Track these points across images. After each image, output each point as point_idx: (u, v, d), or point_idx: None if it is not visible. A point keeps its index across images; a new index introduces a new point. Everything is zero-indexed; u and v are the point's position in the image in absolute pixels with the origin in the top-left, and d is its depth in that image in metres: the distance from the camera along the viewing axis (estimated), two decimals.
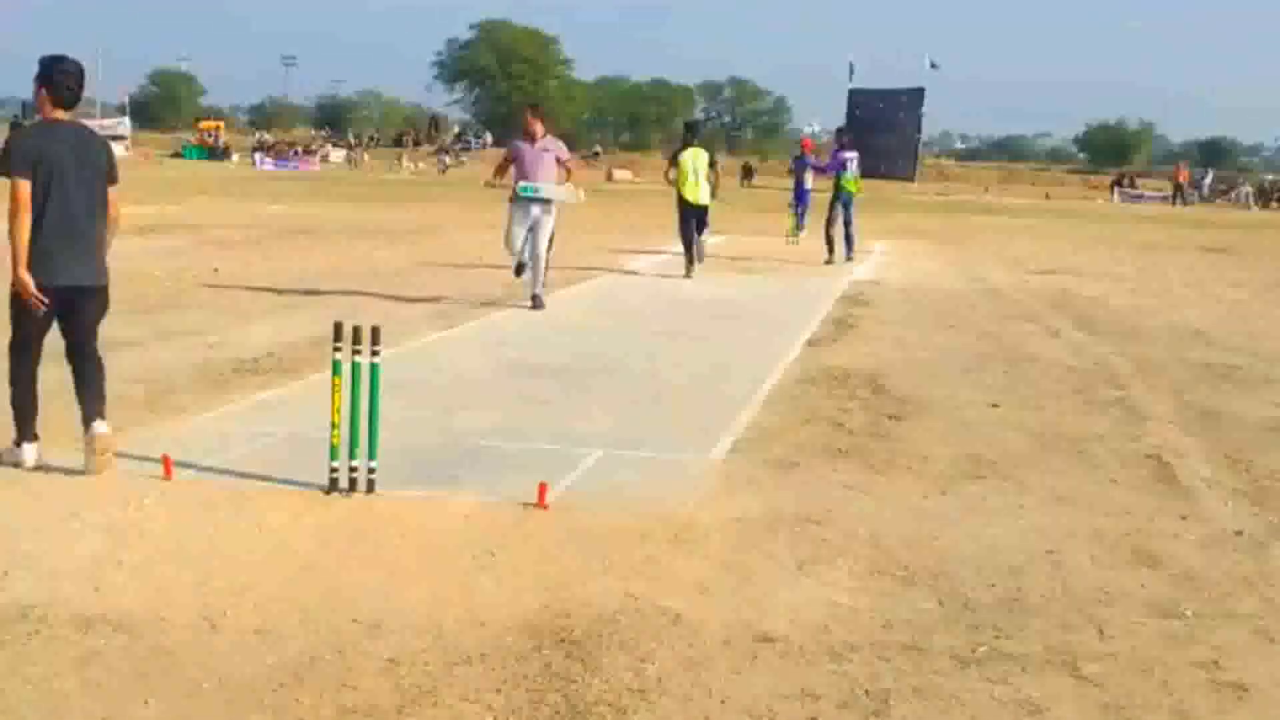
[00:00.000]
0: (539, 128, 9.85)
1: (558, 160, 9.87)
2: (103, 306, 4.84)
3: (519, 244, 9.86)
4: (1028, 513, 4.72)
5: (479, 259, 13.26)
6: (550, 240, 9.99)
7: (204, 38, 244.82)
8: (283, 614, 3.41)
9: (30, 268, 4.53)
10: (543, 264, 9.91)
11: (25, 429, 4.70)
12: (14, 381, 4.72)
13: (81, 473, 4.62)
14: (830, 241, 15.68)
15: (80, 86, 4.79)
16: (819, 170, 17.77)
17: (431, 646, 3.24)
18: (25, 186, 4.52)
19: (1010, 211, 36.88)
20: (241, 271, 11.94)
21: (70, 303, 4.67)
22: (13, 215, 4.52)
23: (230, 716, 2.84)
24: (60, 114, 4.72)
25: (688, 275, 12.98)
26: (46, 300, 4.57)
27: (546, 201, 9.79)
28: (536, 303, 9.87)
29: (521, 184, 9.75)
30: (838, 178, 16.04)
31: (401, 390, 6.31)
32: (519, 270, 10.09)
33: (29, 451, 4.68)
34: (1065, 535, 4.43)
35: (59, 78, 4.68)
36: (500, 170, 10.46)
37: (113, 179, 4.85)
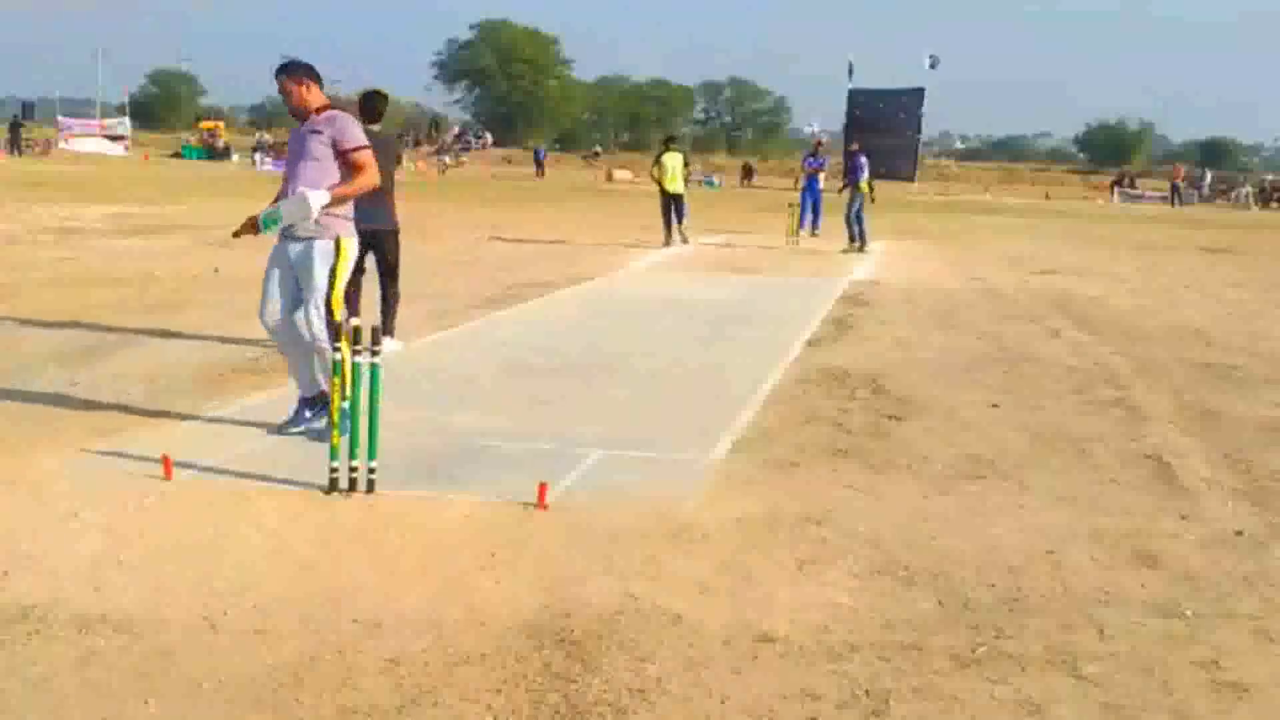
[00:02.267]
0: (300, 92, 5.24)
1: (336, 151, 5.19)
2: (395, 244, 7.66)
3: (273, 310, 5.28)
4: (1028, 513, 4.71)
5: (478, 258, 13.26)
6: (328, 302, 5.25)
7: (204, 38, 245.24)
8: (283, 614, 3.41)
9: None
10: (320, 352, 5.20)
11: (383, 326, 7.09)
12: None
13: (82, 473, 4.62)
14: (852, 230, 17.75)
15: (381, 109, 7.68)
16: (856, 173, 18.66)
17: (431, 646, 3.24)
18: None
19: (1010, 211, 36.90)
20: (242, 271, 11.92)
21: (374, 241, 7.15)
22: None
23: (230, 716, 2.84)
24: (373, 126, 7.18)
25: (666, 244, 17.26)
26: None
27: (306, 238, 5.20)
28: (313, 423, 5.32)
29: (265, 209, 5.27)
30: (857, 182, 18.16)
31: (401, 390, 6.32)
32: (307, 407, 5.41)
33: (390, 343, 6.83)
34: (1065, 535, 4.43)
35: (366, 105, 7.54)
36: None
37: (397, 162, 7.94)
